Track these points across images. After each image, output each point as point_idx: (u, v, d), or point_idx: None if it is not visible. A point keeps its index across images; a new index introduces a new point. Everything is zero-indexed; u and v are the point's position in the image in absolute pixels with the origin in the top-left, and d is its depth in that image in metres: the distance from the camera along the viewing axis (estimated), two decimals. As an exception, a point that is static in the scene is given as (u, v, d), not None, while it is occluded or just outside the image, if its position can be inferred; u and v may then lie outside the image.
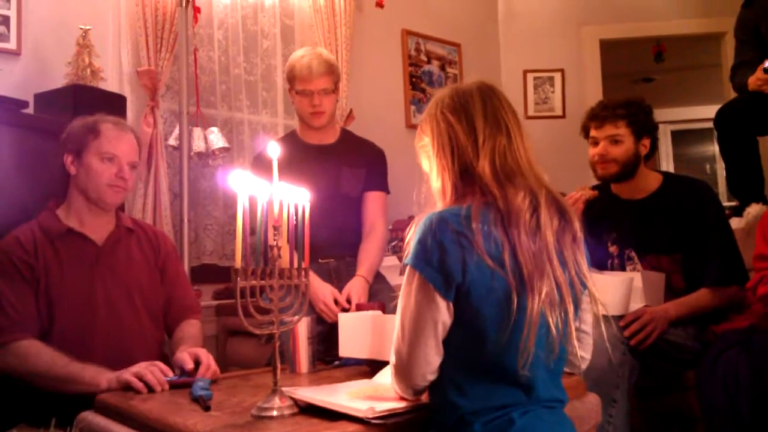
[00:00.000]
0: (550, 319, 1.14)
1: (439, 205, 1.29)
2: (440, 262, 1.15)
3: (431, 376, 1.21)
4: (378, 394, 1.36)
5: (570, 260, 1.21)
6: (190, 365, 1.64)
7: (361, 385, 1.49)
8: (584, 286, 1.23)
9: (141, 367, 1.57)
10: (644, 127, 2.26)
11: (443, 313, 1.17)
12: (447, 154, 1.26)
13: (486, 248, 1.15)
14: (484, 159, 1.23)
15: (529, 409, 1.18)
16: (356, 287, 2.25)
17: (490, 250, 1.15)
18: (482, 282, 1.14)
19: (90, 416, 1.48)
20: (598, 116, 2.28)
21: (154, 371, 1.56)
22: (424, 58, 4.33)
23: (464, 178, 1.25)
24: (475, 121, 1.25)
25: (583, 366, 1.33)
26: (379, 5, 3.85)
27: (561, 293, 1.17)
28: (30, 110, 2.41)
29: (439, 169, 1.28)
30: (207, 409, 1.35)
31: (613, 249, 2.32)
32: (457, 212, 1.19)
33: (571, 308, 1.18)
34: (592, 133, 2.30)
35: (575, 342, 1.20)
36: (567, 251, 1.21)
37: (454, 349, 1.20)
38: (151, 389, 1.53)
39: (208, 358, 1.67)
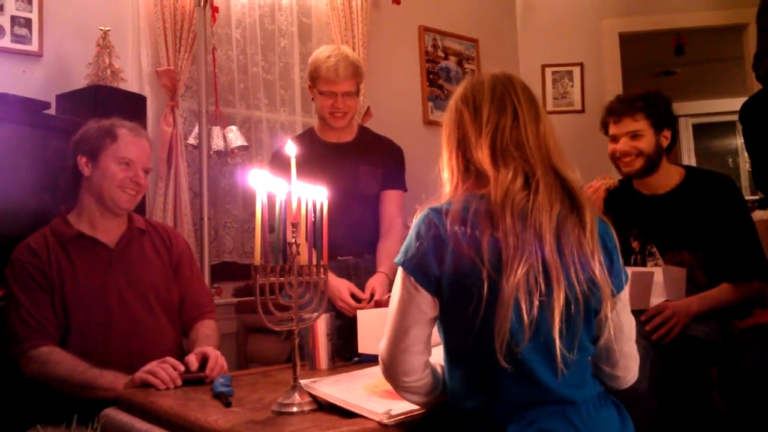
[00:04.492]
0: (522, 300, 1.12)
1: (446, 190, 1.30)
2: (419, 255, 1.18)
3: (414, 375, 1.21)
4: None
5: (567, 247, 1.16)
6: (194, 366, 1.67)
7: (381, 373, 1.49)
8: (589, 277, 1.17)
9: (152, 365, 1.61)
10: (664, 119, 2.22)
11: (424, 305, 1.19)
12: (453, 141, 1.29)
13: (463, 238, 1.16)
14: (485, 140, 1.24)
15: (543, 412, 1.16)
16: (379, 281, 2.25)
17: (468, 239, 1.16)
18: (460, 272, 1.15)
19: (113, 412, 1.51)
20: (616, 111, 2.24)
21: (165, 368, 1.60)
22: (441, 54, 4.32)
23: (467, 164, 1.27)
24: (482, 107, 1.27)
25: (619, 385, 1.30)
26: (396, 2, 3.85)
27: (549, 277, 1.14)
28: (52, 111, 2.45)
29: (446, 157, 1.30)
30: (228, 405, 1.37)
31: (635, 244, 2.30)
32: (440, 208, 1.21)
33: (559, 294, 1.14)
34: (611, 129, 2.27)
35: (556, 335, 1.14)
36: (565, 238, 1.17)
37: (451, 345, 1.22)
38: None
39: (215, 356, 1.69)
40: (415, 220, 1.22)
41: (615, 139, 2.26)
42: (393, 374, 1.23)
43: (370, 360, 1.77)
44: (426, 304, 1.19)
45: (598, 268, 1.18)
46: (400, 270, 1.22)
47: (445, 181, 1.31)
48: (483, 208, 1.19)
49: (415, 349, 1.21)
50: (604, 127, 2.31)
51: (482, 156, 1.23)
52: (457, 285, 1.16)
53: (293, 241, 1.32)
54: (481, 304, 1.13)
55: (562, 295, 1.14)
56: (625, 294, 1.27)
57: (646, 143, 2.21)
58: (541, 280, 1.14)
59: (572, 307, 1.16)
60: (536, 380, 1.16)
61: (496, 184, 1.20)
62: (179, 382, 1.59)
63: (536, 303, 1.13)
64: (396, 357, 1.21)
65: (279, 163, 2.30)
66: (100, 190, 1.85)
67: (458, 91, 1.33)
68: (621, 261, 1.27)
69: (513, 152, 1.23)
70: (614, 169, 2.35)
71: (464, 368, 1.21)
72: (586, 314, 1.19)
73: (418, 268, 1.18)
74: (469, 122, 1.26)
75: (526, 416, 1.16)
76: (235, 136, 3.07)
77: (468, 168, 1.26)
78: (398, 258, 1.22)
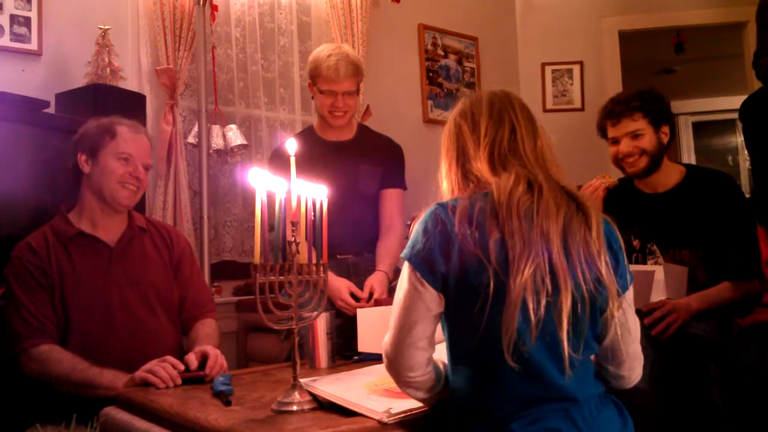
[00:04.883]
0: (529, 300, 1.13)
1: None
2: (425, 251, 1.19)
3: (418, 370, 1.22)
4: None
5: (574, 247, 1.17)
6: (194, 365, 1.67)
7: (381, 371, 1.50)
8: (596, 277, 1.18)
9: (152, 364, 1.61)
10: (661, 115, 2.22)
11: (430, 301, 1.20)
12: (452, 154, 1.31)
13: (470, 236, 1.16)
14: (483, 152, 1.27)
15: (545, 410, 1.16)
16: (378, 280, 2.25)
17: (475, 238, 1.16)
18: (467, 270, 1.16)
19: (113, 411, 1.50)
20: (613, 113, 2.23)
21: (165, 367, 1.60)
22: (441, 52, 4.31)
23: (466, 176, 1.29)
24: (480, 121, 1.29)
25: (623, 385, 1.31)
26: (395, 0, 3.84)
27: (556, 277, 1.15)
28: (51, 110, 2.44)
29: (445, 169, 1.33)
30: (228, 404, 1.37)
31: (635, 243, 2.30)
32: (447, 204, 1.22)
33: (567, 294, 1.15)
34: (611, 132, 2.26)
35: (564, 335, 1.14)
36: (571, 238, 1.18)
37: (455, 343, 1.23)
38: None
39: (215, 354, 1.69)
40: (422, 216, 1.23)
41: (616, 141, 2.25)
42: (396, 369, 1.23)
43: (370, 358, 1.77)
44: (431, 300, 1.20)
45: (605, 268, 1.19)
46: (406, 264, 1.22)
47: (445, 192, 1.33)
48: (488, 207, 1.20)
49: (420, 344, 1.21)
50: (602, 130, 2.30)
51: (481, 166, 1.26)
52: (464, 283, 1.17)
53: (293, 239, 1.32)
54: (488, 303, 1.14)
55: (569, 296, 1.15)
56: (630, 294, 1.28)
57: (648, 141, 2.20)
58: (547, 280, 1.14)
59: (579, 306, 1.17)
60: (543, 378, 1.16)
61: (498, 187, 1.21)
62: (179, 381, 1.59)
63: (543, 303, 1.14)
64: (400, 352, 1.21)
65: (278, 161, 2.30)
66: (100, 186, 1.85)
67: (457, 107, 1.35)
68: (626, 261, 1.28)
69: (511, 160, 1.25)
70: (614, 167, 2.34)
71: (468, 366, 1.22)
72: (592, 314, 1.19)
73: (424, 263, 1.19)
74: (468, 135, 1.29)
75: (529, 414, 1.16)
76: (235, 135, 3.07)
77: (467, 178, 1.28)
78: (405, 252, 1.22)
